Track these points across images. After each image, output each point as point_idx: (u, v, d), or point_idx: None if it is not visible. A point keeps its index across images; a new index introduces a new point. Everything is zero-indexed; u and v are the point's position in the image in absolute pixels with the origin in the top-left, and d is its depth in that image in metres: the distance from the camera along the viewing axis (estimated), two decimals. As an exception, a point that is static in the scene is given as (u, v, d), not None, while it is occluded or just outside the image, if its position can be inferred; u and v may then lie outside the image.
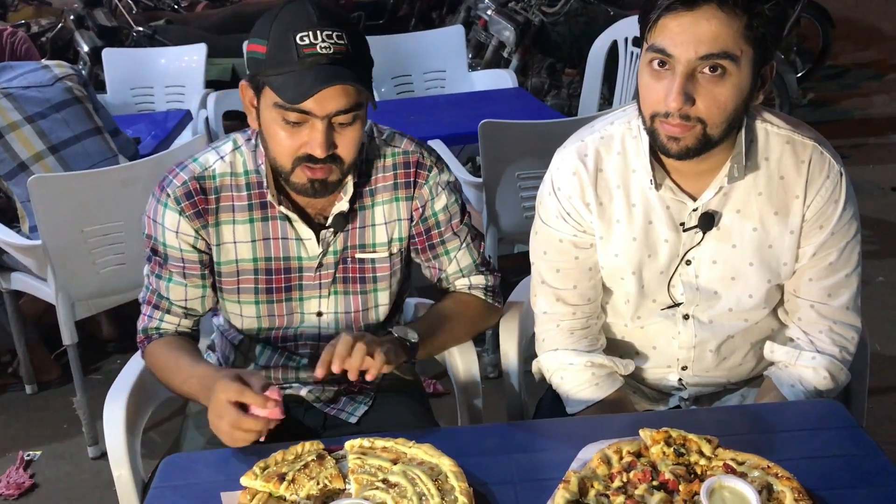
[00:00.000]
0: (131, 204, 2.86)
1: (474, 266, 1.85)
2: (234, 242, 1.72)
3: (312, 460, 1.41)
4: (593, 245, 1.72)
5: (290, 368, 1.85)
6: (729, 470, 1.35)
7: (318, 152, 1.56)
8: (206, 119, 4.25)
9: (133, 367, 1.91)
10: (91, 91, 3.26)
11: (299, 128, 1.56)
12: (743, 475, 1.34)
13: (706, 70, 1.45)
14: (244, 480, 1.36)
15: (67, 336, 2.99)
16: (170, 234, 1.71)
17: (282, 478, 1.36)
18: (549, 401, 1.88)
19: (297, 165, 1.60)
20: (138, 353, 1.94)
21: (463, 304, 1.85)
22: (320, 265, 1.75)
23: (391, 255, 1.80)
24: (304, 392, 1.86)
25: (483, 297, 1.85)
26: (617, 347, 1.83)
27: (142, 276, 1.82)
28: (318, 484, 1.36)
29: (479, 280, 1.85)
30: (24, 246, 2.89)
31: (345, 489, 1.38)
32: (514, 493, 1.40)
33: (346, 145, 1.60)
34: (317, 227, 1.73)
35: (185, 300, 1.76)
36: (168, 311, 1.76)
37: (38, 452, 3.17)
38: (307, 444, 1.45)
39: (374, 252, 1.78)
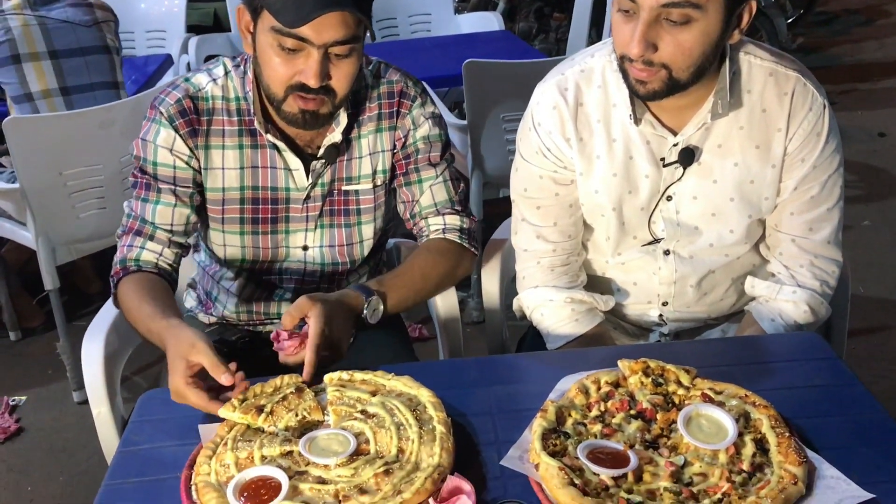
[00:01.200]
0: (110, 146, 2.83)
1: (450, 203, 1.81)
2: (223, 169, 1.70)
3: (291, 393, 1.40)
4: (573, 181, 1.71)
5: (273, 302, 1.84)
6: (706, 399, 1.35)
7: (312, 82, 1.54)
8: (188, 64, 4.18)
9: (108, 308, 1.89)
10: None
11: (295, 56, 1.53)
12: (721, 404, 1.34)
13: (671, 17, 1.42)
14: (222, 412, 1.35)
15: (49, 281, 2.97)
16: (163, 152, 1.67)
17: (260, 410, 1.35)
18: (530, 339, 1.88)
19: (290, 94, 1.57)
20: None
21: (436, 251, 1.79)
22: (308, 197, 1.73)
23: (375, 187, 1.78)
24: (285, 327, 1.86)
25: (458, 241, 1.80)
26: (597, 284, 1.82)
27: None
28: (296, 416, 1.36)
29: (453, 220, 1.81)
30: (0, 189, 2.85)
31: (323, 421, 1.38)
32: (491, 423, 1.40)
33: (341, 78, 1.57)
34: (306, 158, 1.71)
35: (171, 224, 1.70)
36: (151, 238, 1.69)
37: (24, 398, 3.17)
38: (286, 378, 1.44)
39: (359, 184, 1.76)
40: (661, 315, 1.80)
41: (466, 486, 1.20)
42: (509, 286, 1.93)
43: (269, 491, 1.21)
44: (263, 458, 1.29)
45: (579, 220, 1.75)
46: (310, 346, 1.47)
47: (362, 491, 1.20)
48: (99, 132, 2.80)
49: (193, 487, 1.26)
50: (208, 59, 4.20)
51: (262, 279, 1.83)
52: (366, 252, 1.83)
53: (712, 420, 1.30)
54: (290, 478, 1.23)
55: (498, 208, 3.40)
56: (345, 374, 1.47)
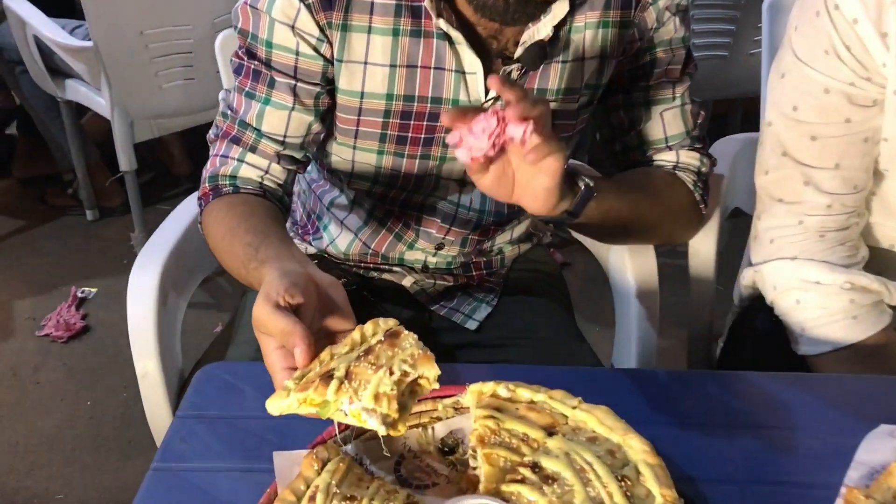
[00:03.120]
0: (203, 3, 2.30)
1: (687, 137, 1.22)
2: (365, 63, 1.12)
3: (379, 343, 0.83)
4: (877, 103, 1.08)
5: (398, 246, 1.30)
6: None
7: None
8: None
9: (177, 219, 1.40)
10: None
11: None
12: None
13: None
14: (272, 404, 0.81)
15: (125, 161, 2.53)
16: (281, 30, 1.11)
17: (328, 377, 0.78)
18: (751, 332, 1.30)
19: None
20: (188, 201, 1.44)
21: (665, 184, 1.22)
22: None
23: (580, 107, 1.19)
24: (406, 281, 1.33)
25: (691, 188, 1.23)
26: (884, 264, 1.21)
27: (214, 96, 1.26)
28: (390, 374, 0.79)
29: (690, 159, 1.23)
30: (71, 47, 2.38)
31: (433, 382, 0.80)
32: (740, 499, 0.85)
33: None
34: (487, 58, 1.13)
35: (284, 134, 1.16)
36: (254, 149, 1.16)
37: (94, 290, 2.78)
38: (370, 325, 0.86)
39: (560, 101, 1.17)
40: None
41: None
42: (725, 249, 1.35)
43: None
44: (372, 536, 0.78)
45: (872, 165, 1.14)
46: (538, 120, 0.89)
47: None
48: (189, -16, 2.27)
49: (255, 578, 0.76)
50: None
51: (391, 214, 1.28)
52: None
53: None
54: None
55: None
56: (502, 389, 0.93)
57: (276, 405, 0.79)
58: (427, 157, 1.20)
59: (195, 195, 1.44)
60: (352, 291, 1.33)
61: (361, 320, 0.87)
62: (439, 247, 1.29)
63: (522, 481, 0.82)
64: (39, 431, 2.25)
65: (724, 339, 1.40)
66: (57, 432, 2.25)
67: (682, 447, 0.90)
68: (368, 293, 1.35)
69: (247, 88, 1.15)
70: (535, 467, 0.83)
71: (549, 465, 0.83)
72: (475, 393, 0.93)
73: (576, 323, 1.39)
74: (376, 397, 0.76)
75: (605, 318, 1.60)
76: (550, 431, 0.88)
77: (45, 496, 2.06)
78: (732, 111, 2.95)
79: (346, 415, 0.76)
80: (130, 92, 2.42)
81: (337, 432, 0.81)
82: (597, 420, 0.89)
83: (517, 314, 1.33)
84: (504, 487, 0.82)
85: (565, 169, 0.96)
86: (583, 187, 1.02)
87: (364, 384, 0.76)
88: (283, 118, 1.15)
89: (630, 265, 1.28)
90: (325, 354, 0.81)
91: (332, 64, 1.13)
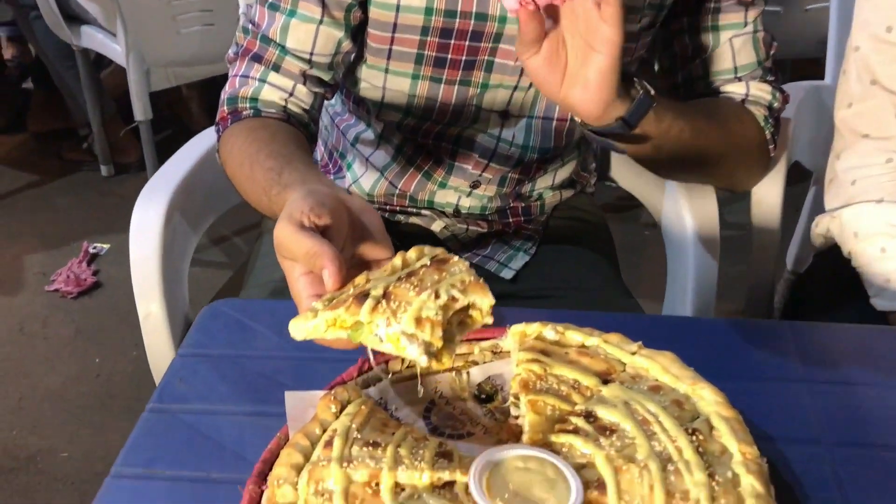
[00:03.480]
0: (223, -57, 2.17)
1: (759, 68, 1.09)
2: None
3: (425, 266, 0.70)
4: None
5: (428, 186, 1.18)
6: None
7: None
8: None
9: (188, 152, 1.28)
10: None
11: None
12: None
13: None
14: (294, 327, 0.67)
15: (140, 110, 2.42)
16: None
17: (364, 297, 0.65)
18: (820, 282, 1.17)
19: None
20: (201, 135, 1.33)
21: (733, 115, 1.08)
22: None
23: (641, 29, 1.06)
24: (436, 226, 1.21)
25: (761, 123, 1.09)
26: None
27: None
28: (436, 297, 0.65)
29: (761, 91, 1.09)
30: (86, -14, 2.26)
31: (487, 312, 0.67)
32: (830, 468, 0.73)
33: None
34: None
35: (311, 51, 1.03)
36: (277, 68, 1.04)
37: (106, 246, 2.69)
38: (412, 251, 0.73)
39: None
40: None
41: None
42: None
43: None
44: (399, 489, 0.66)
45: None
46: None
47: None
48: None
49: (259, 532, 0.65)
50: None
51: (422, 150, 1.16)
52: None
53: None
54: (451, 551, 0.61)
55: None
56: (549, 331, 0.81)
57: (301, 327, 0.67)
58: (467, 84, 1.07)
59: (209, 129, 1.34)
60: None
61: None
62: (474, 185, 1.16)
63: (575, 432, 0.70)
64: (45, 387, 2.16)
65: (783, 302, 1.27)
66: (63, 389, 2.15)
67: (757, 402, 0.78)
68: (394, 239, 1.23)
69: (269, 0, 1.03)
70: (588, 416, 0.71)
71: (606, 414, 0.71)
72: (518, 334, 0.81)
73: (622, 277, 1.26)
74: (418, 321, 0.63)
75: (646, 288, 1.46)
76: (605, 379, 0.76)
77: (49, 453, 1.97)
78: (781, 73, 2.78)
79: (382, 340, 0.64)
80: (147, 36, 2.30)
81: (372, 360, 0.68)
82: (660, 367, 0.76)
83: (558, 264, 1.21)
84: (553, 438, 0.70)
85: (623, 65, 0.84)
86: (641, 92, 0.89)
87: (405, 306, 0.64)
88: (309, 32, 1.02)
89: (688, 207, 1.15)
90: (360, 279, 0.69)
91: None
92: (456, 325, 0.66)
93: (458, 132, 1.12)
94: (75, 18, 2.59)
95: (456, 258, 0.70)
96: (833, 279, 1.14)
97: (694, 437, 0.69)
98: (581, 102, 0.87)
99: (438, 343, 0.63)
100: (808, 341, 0.89)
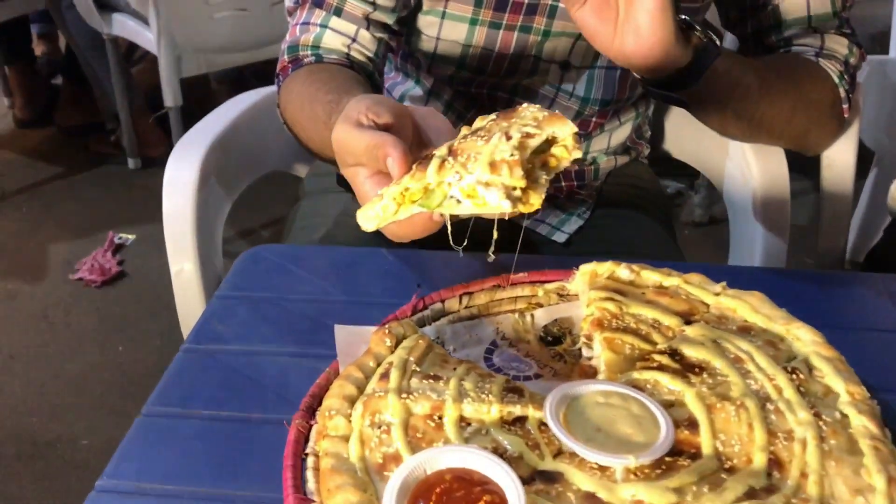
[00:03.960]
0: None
1: (835, 18, 1.02)
2: None
3: (492, 120, 0.63)
4: None
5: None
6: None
7: None
8: None
9: (226, 110, 1.23)
10: None
11: None
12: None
13: None
14: (362, 215, 0.62)
15: (170, 96, 2.37)
16: None
17: (428, 161, 0.60)
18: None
19: None
20: (238, 97, 1.28)
21: (805, 71, 1.00)
22: None
23: None
24: (487, 190, 1.15)
25: (836, 80, 1.01)
26: None
27: (270, 32, 1.11)
28: (507, 139, 0.58)
29: (837, 45, 1.02)
30: (118, -34, 2.22)
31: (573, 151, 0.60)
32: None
33: None
34: None
35: None
36: (339, 12, 0.98)
37: (132, 237, 2.63)
38: (478, 120, 0.65)
39: None
40: None
41: None
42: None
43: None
44: (464, 423, 0.59)
45: None
46: None
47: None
48: None
49: (310, 466, 0.58)
50: None
51: (474, 104, 1.10)
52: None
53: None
54: (528, 483, 0.53)
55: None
56: (624, 270, 0.74)
57: (369, 214, 0.61)
58: (527, 31, 1.01)
59: (246, 92, 1.29)
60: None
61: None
62: (528, 140, 1.10)
63: (660, 368, 0.62)
64: (66, 375, 2.10)
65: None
66: (84, 377, 2.09)
67: (854, 351, 0.70)
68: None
69: None
70: (674, 355, 0.64)
71: (693, 353, 0.64)
72: (587, 274, 0.74)
73: (679, 247, 1.19)
74: (492, 166, 0.56)
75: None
76: (688, 320, 0.69)
77: (70, 440, 1.91)
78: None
79: (459, 201, 0.57)
80: (179, 21, 2.26)
81: (449, 232, 0.60)
82: (750, 307, 0.69)
83: (613, 228, 1.14)
84: (636, 375, 0.62)
85: (681, 9, 0.77)
86: (704, 39, 0.82)
87: (475, 156, 0.57)
88: None
89: (756, 167, 1.07)
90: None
91: None
92: (539, 167, 0.59)
93: (513, 83, 1.06)
94: (106, 6, 2.56)
95: (525, 104, 0.63)
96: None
97: (794, 377, 0.61)
98: (636, 51, 0.79)
99: (521, 183, 0.56)
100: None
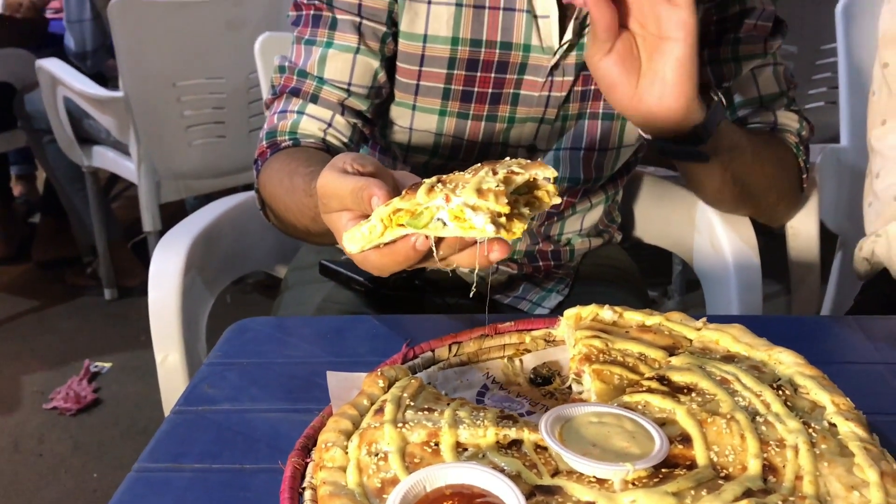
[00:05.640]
0: (236, 55, 2.25)
1: (784, 97, 1.10)
2: (429, 3, 1.02)
3: (479, 166, 0.65)
4: None
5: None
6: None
7: None
8: None
9: (211, 209, 1.26)
10: None
11: None
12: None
13: None
14: (348, 237, 0.65)
15: (149, 221, 2.41)
16: None
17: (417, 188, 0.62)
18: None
19: None
20: (222, 200, 1.32)
21: (772, 141, 1.08)
22: (556, 67, 1.03)
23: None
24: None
25: (794, 150, 1.08)
26: None
27: (246, 158, 1.17)
28: (493, 174, 0.61)
29: (789, 120, 1.10)
30: (101, 97, 2.31)
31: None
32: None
33: None
34: (561, 3, 1.01)
35: (349, 81, 1.03)
36: (315, 99, 1.03)
37: (107, 365, 2.60)
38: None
39: None
40: None
41: None
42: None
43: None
44: (460, 448, 0.59)
45: None
46: None
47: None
48: (224, 34, 2.21)
49: (308, 499, 0.58)
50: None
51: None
52: (619, 164, 1.13)
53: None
54: (528, 498, 0.53)
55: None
56: (607, 312, 0.76)
57: (355, 236, 0.63)
58: (494, 119, 1.06)
59: (229, 196, 1.33)
60: (402, 280, 1.18)
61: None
62: (502, 222, 1.14)
63: (650, 391, 0.63)
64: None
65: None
66: (58, 505, 2.03)
67: (840, 382, 0.71)
68: (420, 283, 1.19)
69: (306, 36, 1.04)
70: (662, 380, 0.65)
71: (681, 377, 0.65)
72: (573, 317, 0.76)
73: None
74: (479, 192, 0.59)
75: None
76: (672, 353, 0.70)
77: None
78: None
79: (445, 224, 0.59)
80: (159, 147, 2.33)
81: (435, 252, 0.61)
82: (731, 338, 0.71)
83: (591, 302, 1.16)
84: (627, 398, 0.63)
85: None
86: (716, 98, 0.88)
87: (462, 184, 0.60)
88: (347, 62, 1.03)
89: (726, 238, 1.11)
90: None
91: (397, 1, 1.02)
92: (522, 206, 0.61)
93: None
94: (87, 140, 2.64)
95: (508, 158, 0.66)
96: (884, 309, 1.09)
97: (780, 393, 0.63)
98: (660, 102, 0.84)
99: (506, 209, 0.58)
100: (879, 329, 0.83)
